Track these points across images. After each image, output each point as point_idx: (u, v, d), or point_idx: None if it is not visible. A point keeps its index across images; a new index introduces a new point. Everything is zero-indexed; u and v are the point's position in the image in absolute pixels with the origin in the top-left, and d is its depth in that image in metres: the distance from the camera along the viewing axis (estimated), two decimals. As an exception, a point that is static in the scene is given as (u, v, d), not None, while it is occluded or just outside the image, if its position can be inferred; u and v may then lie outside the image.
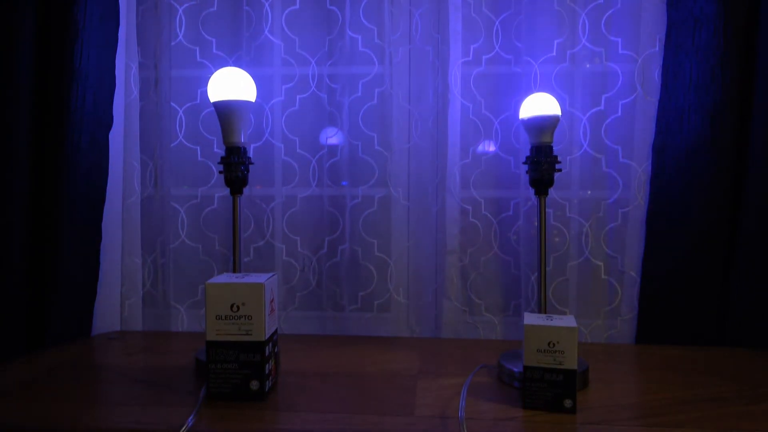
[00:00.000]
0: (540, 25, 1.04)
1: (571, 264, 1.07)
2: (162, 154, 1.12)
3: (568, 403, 0.71)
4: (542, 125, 0.85)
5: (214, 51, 1.13)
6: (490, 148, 1.09)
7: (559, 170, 0.87)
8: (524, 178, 1.03)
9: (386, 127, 1.09)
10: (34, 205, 0.98)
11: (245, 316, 0.74)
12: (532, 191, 0.88)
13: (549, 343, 0.72)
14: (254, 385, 0.74)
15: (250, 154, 1.09)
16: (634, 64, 1.03)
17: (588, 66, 1.05)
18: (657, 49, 1.01)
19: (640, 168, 1.03)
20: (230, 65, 1.02)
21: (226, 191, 0.90)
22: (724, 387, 0.81)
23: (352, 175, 1.11)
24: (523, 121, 0.88)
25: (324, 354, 0.98)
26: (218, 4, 1.12)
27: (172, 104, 1.13)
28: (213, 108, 0.88)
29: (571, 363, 0.71)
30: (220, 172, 0.88)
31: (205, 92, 0.89)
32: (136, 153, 1.11)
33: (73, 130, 1.00)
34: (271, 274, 0.79)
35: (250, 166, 0.90)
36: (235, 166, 0.87)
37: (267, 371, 0.76)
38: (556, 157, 0.86)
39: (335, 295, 1.12)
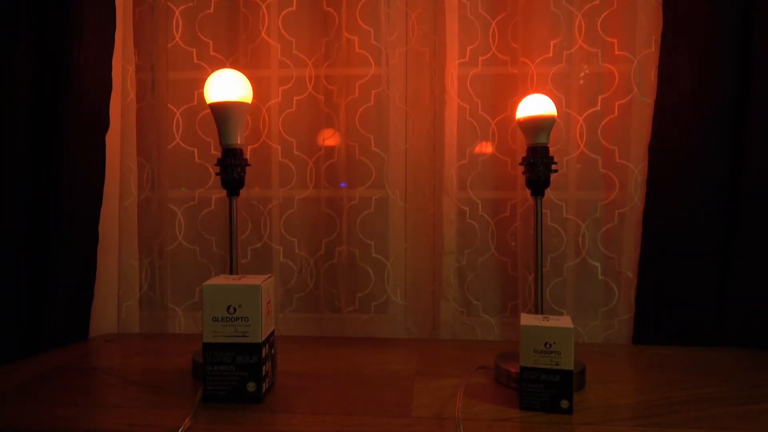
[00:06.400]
0: (536, 27, 1.04)
1: (568, 265, 1.07)
2: (159, 156, 1.12)
3: (564, 403, 0.71)
4: (538, 126, 0.85)
5: (211, 53, 1.13)
6: (487, 149, 1.09)
7: (556, 171, 0.87)
8: (521, 179, 1.03)
9: (383, 128, 1.09)
10: (31, 207, 0.98)
11: (242, 317, 0.74)
12: (528, 192, 0.88)
13: (546, 344, 0.72)
14: (251, 386, 0.74)
15: (247, 155, 1.09)
16: (630, 65, 1.03)
17: (585, 69, 1.05)
18: (653, 49, 1.01)
19: (636, 168, 1.03)
20: (227, 67, 1.02)
21: (224, 193, 0.90)
22: (721, 387, 0.81)
23: (349, 177, 1.11)
24: (519, 122, 0.88)
25: (321, 355, 0.98)
26: (215, 6, 1.12)
27: (169, 106, 1.13)
28: (210, 110, 0.88)
29: (567, 364, 0.71)
30: (217, 174, 0.88)
31: (202, 94, 0.90)
32: (133, 155, 1.12)
33: (70, 132, 1.00)
34: (267, 276, 0.79)
35: (247, 168, 0.90)
36: (232, 168, 0.87)
37: (264, 373, 0.76)
38: (552, 158, 0.86)
39: (333, 296, 1.12)
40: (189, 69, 1.13)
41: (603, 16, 1.04)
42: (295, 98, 1.11)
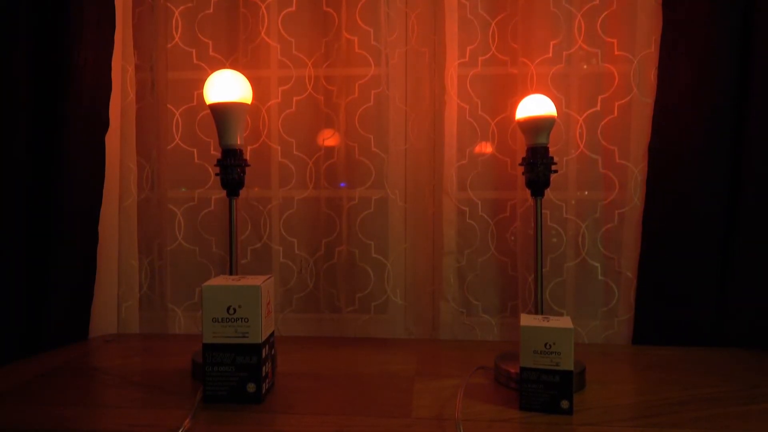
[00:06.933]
0: (536, 27, 1.04)
1: (568, 265, 1.07)
2: (159, 157, 1.12)
3: (564, 404, 0.71)
4: (538, 126, 0.85)
5: (211, 53, 1.12)
6: (487, 149, 1.09)
7: (556, 171, 0.87)
8: (521, 180, 1.03)
9: (383, 128, 1.09)
10: (31, 207, 0.98)
11: (242, 318, 0.74)
12: (528, 192, 0.88)
13: (545, 345, 0.72)
14: (251, 387, 0.74)
15: (247, 156, 1.09)
16: (629, 65, 1.03)
17: (585, 69, 1.05)
18: (652, 49, 1.01)
19: (636, 169, 1.03)
20: (227, 67, 1.02)
21: (223, 193, 0.90)
22: (721, 387, 0.81)
23: (348, 177, 1.11)
24: (519, 122, 0.88)
25: (321, 356, 0.98)
26: (214, 7, 1.12)
27: (169, 106, 1.13)
28: (210, 110, 0.88)
29: (567, 364, 0.71)
30: (217, 174, 0.88)
31: (202, 94, 0.90)
32: (132, 155, 1.11)
33: (70, 132, 1.00)
34: (267, 277, 0.79)
35: (247, 168, 0.90)
36: (232, 168, 0.87)
37: (264, 373, 0.76)
38: (552, 158, 0.86)
39: (332, 296, 1.12)
40: (188, 69, 1.13)
41: (603, 16, 1.04)
42: (294, 98, 1.11)
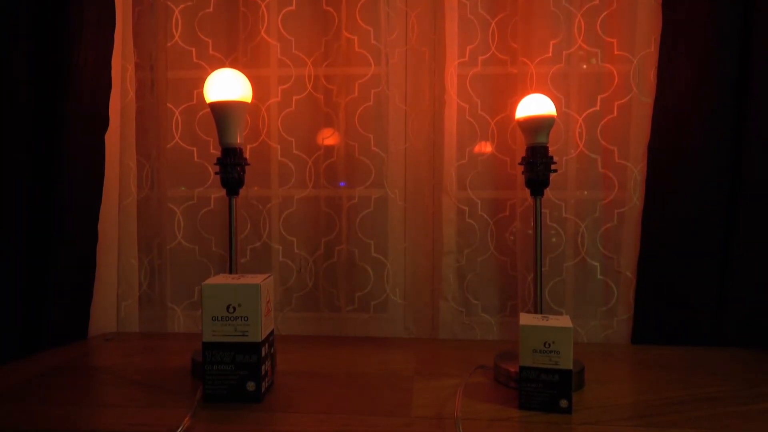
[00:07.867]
0: (536, 26, 1.04)
1: (567, 264, 1.07)
2: (158, 155, 1.12)
3: (564, 403, 0.71)
4: (538, 126, 0.85)
5: (211, 52, 1.12)
6: (487, 148, 1.09)
7: (555, 171, 0.87)
8: (520, 179, 1.03)
9: (383, 128, 1.09)
10: (31, 206, 0.98)
11: (241, 317, 0.74)
12: (528, 192, 0.88)
13: (545, 344, 0.72)
14: (250, 386, 0.74)
15: (247, 155, 1.09)
16: (629, 65, 1.03)
17: (585, 69, 1.05)
18: (652, 49, 1.01)
19: (635, 168, 1.03)
20: (226, 66, 1.02)
21: (223, 192, 0.90)
22: (720, 387, 0.81)
23: (348, 176, 1.11)
24: (519, 121, 0.88)
25: (321, 355, 0.98)
26: (214, 5, 1.12)
27: (169, 105, 1.13)
28: (209, 109, 0.88)
29: (566, 363, 0.71)
30: (217, 173, 0.88)
31: (202, 93, 0.90)
32: (132, 154, 1.12)
33: (70, 131, 1.00)
34: (267, 275, 0.79)
35: (247, 167, 0.90)
36: (232, 167, 0.87)
37: (263, 372, 0.76)
38: (551, 157, 0.86)
39: (332, 295, 1.12)
40: (188, 68, 1.13)
41: (602, 16, 1.04)
42: (294, 97, 1.11)
